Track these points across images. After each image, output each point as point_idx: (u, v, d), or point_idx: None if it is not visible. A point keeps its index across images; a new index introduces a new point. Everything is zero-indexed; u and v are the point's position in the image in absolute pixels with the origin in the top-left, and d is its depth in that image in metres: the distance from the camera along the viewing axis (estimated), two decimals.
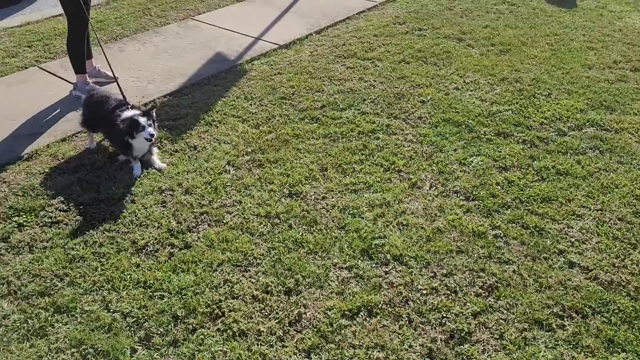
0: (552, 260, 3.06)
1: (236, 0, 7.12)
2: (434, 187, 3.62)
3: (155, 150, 3.90)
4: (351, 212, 3.38)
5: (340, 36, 5.96)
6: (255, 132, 4.20)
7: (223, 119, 4.39)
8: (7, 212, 3.34)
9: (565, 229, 3.29)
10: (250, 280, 2.91)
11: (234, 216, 3.37)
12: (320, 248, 3.11)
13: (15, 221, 3.27)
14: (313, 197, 3.53)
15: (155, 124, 3.67)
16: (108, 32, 6.07)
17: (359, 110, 4.50)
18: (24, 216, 3.32)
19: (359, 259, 3.04)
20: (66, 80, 4.94)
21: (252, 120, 4.37)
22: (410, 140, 4.11)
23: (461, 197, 3.53)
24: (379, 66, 5.24)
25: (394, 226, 3.27)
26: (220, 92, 4.83)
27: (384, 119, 4.37)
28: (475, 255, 3.08)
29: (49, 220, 3.30)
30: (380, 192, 3.56)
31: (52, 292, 2.80)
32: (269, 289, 2.85)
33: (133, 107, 3.79)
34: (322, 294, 2.83)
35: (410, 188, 3.61)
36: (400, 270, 2.97)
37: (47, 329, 2.60)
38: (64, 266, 2.97)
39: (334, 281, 2.90)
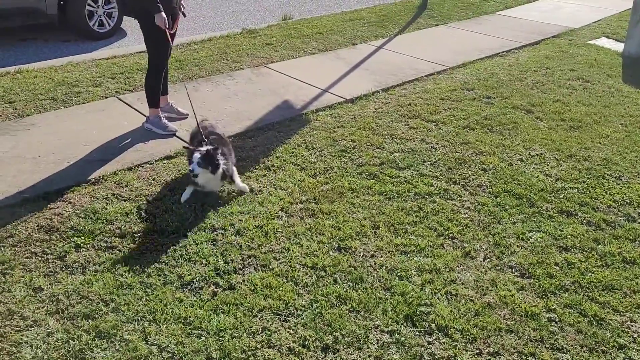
0: (611, 354, 2.84)
1: (309, 53, 7.38)
2: (488, 259, 3.49)
3: (235, 176, 4.05)
4: (399, 274, 3.30)
5: (406, 96, 6.01)
6: (311, 182, 4.24)
7: (282, 165, 4.47)
8: (68, 232, 3.49)
9: (628, 322, 3.05)
10: (288, 331, 2.86)
11: (280, 263, 3.36)
12: (363, 307, 3.02)
13: (74, 242, 3.41)
14: (362, 253, 3.47)
15: (214, 163, 3.72)
16: (185, 71, 6.41)
17: (417, 171, 4.46)
18: (82, 238, 3.45)
19: (402, 324, 2.93)
20: (140, 113, 5.22)
21: (310, 169, 4.42)
22: (468, 207, 4.01)
23: (516, 273, 3.37)
24: (442, 129, 5.22)
25: (442, 294, 3.15)
26: (283, 138, 4.94)
27: (442, 182, 4.31)
28: (526, 337, 2.90)
29: (104, 244, 3.41)
30: (431, 257, 3.46)
31: (96, 316, 2.86)
32: (306, 342, 2.79)
33: (213, 143, 3.90)
34: (359, 356, 2.73)
35: (462, 257, 3.49)
36: (443, 342, 2.83)
37: (85, 353, 2.64)
38: (111, 291, 3.03)
39: (374, 344, 2.80)
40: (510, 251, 3.56)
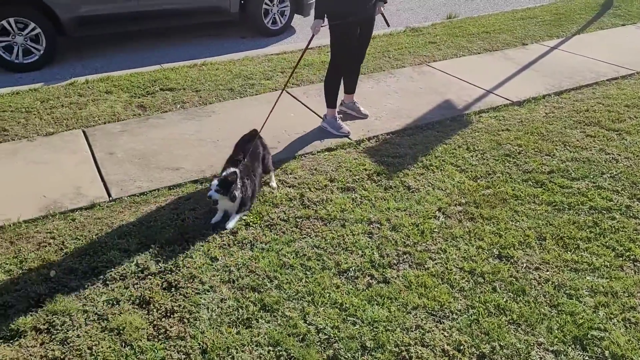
0: None
1: (474, 52, 7.13)
2: None
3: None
4: (567, 291, 3.05)
5: (583, 101, 5.52)
6: (472, 185, 4.10)
7: (441, 165, 4.39)
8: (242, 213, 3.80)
9: None
10: (442, 333, 2.81)
11: (436, 263, 3.31)
12: (524, 321, 2.85)
13: (244, 220, 3.70)
14: (525, 265, 3.28)
15: (232, 190, 3.55)
16: None
17: (594, 183, 4.07)
18: (252, 217, 3.74)
19: (569, 345, 2.71)
20: (305, 105, 5.48)
21: (471, 172, 4.28)
22: None
23: None
24: (627, 140, 4.69)
25: (618, 321, 2.84)
26: (442, 138, 4.84)
27: (624, 198, 3.88)
28: None
29: (270, 225, 3.66)
30: (607, 278, 3.14)
31: (262, 290, 3.08)
32: (461, 347, 2.71)
33: (239, 164, 3.77)
34: None
35: None
36: None
37: (252, 322, 2.86)
38: (275, 269, 3.25)
39: None
40: None
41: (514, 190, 4.00)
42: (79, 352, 2.65)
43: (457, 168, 4.34)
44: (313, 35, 4.62)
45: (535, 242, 3.47)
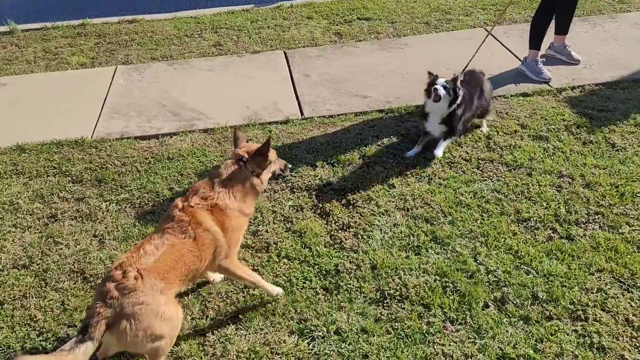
0: None
1: None
2: None
3: (447, 142, 3.68)
4: None
5: None
6: None
7: None
8: (416, 140, 3.79)
9: None
10: (628, 302, 2.57)
11: (633, 229, 2.98)
12: None
13: (425, 155, 3.69)
14: None
15: (457, 91, 3.47)
16: None
17: None
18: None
19: None
20: (504, 46, 5.13)
21: None
22: None
23: None
24: None
25: None
26: None
27: None
28: None
29: (450, 163, 3.60)
30: None
31: (434, 223, 3.11)
32: None
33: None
34: None
35: None
36: None
37: (422, 250, 2.92)
38: (450, 206, 3.23)
39: None
40: None
41: None
42: (267, 245, 2.99)
43: None
44: None
45: None
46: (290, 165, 2.78)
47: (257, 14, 6.18)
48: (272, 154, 2.58)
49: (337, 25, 5.82)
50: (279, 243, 2.99)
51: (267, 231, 3.08)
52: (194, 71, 4.99)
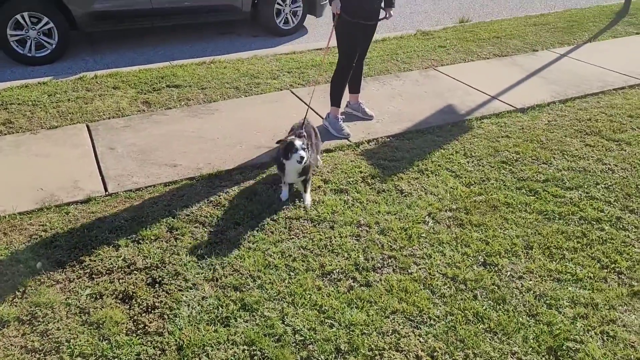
0: None
1: (482, 57, 7.08)
2: None
3: (309, 187, 4.02)
4: (548, 301, 3.03)
5: (587, 110, 5.45)
6: (464, 191, 4.09)
7: (436, 170, 4.38)
8: (231, 210, 3.84)
9: None
10: (418, 339, 2.82)
11: (420, 268, 3.32)
12: (501, 330, 2.85)
13: (235, 220, 3.74)
14: (509, 273, 3.26)
15: (309, 149, 3.84)
16: None
17: (587, 193, 4.03)
18: (242, 216, 3.77)
19: (543, 356, 2.69)
20: (309, 106, 5.50)
21: (465, 178, 4.27)
22: None
23: None
24: (625, 150, 4.63)
25: (596, 333, 2.82)
26: (441, 143, 4.83)
27: (615, 209, 3.83)
28: None
29: (259, 225, 3.70)
30: (589, 289, 3.11)
31: (243, 289, 3.13)
32: (435, 354, 2.72)
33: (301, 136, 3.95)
34: None
35: (629, 296, 3.08)
36: None
37: (230, 321, 2.90)
38: (259, 269, 3.28)
39: None
40: None
41: (506, 198, 3.98)
42: (57, 345, 2.72)
43: (452, 173, 4.33)
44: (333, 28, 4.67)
45: (522, 251, 3.45)
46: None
47: (56, 86, 5.83)
48: None
49: (145, 94, 5.74)
50: (71, 340, 2.73)
51: (58, 329, 2.80)
52: None
